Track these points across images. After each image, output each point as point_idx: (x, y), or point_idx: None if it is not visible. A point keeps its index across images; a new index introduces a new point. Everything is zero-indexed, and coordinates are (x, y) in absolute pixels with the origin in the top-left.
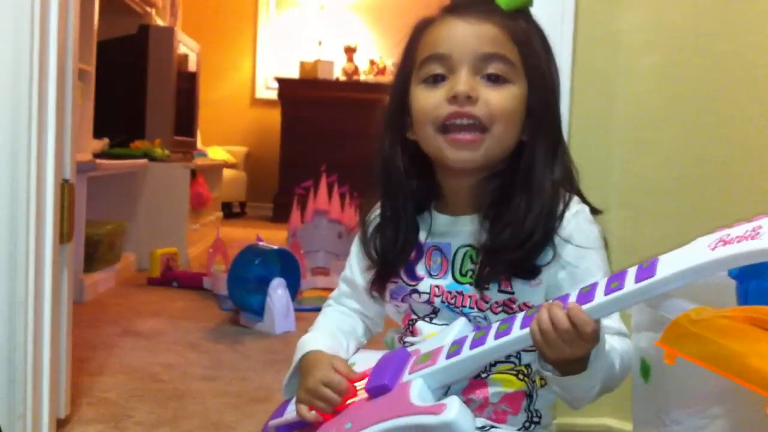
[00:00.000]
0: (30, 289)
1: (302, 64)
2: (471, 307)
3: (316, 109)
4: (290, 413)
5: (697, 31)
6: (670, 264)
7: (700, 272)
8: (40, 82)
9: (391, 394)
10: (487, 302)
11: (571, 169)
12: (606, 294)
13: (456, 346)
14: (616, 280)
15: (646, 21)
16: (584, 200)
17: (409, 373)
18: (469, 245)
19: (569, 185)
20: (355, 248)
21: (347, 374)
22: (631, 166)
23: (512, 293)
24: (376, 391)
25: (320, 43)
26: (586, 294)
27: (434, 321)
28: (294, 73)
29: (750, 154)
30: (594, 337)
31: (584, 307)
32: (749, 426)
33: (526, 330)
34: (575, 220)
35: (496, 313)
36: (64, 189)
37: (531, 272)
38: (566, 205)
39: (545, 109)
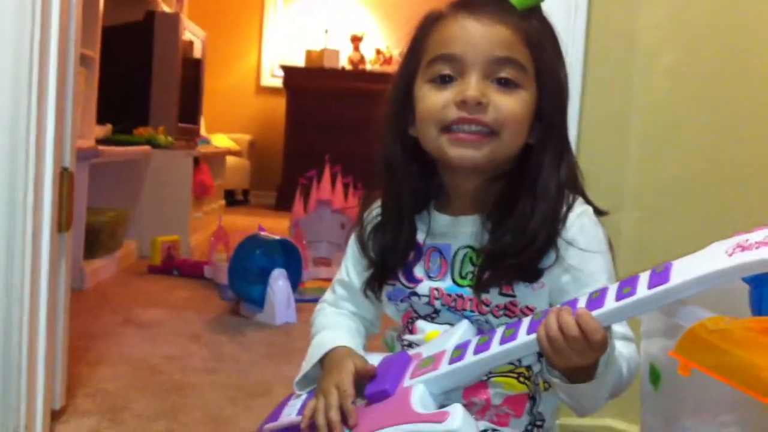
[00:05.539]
0: (26, 278)
1: (308, 53)
2: (472, 311)
3: (321, 98)
4: (286, 416)
5: (715, 29)
6: (685, 270)
7: (716, 279)
8: (41, 68)
9: (391, 399)
10: (487, 305)
11: (575, 170)
12: (617, 300)
13: (459, 351)
14: (627, 286)
15: (663, 18)
16: (588, 201)
17: (411, 378)
18: (470, 246)
19: (573, 186)
20: (351, 249)
21: (367, 373)
22: (646, 165)
23: (514, 296)
24: (376, 396)
25: (327, 32)
26: (596, 300)
27: (435, 320)
28: (300, 62)
29: None
30: (603, 344)
31: (594, 313)
32: None
33: (533, 336)
34: (579, 221)
35: (497, 317)
36: (64, 177)
37: (533, 275)
38: (570, 207)
39: (554, 114)
